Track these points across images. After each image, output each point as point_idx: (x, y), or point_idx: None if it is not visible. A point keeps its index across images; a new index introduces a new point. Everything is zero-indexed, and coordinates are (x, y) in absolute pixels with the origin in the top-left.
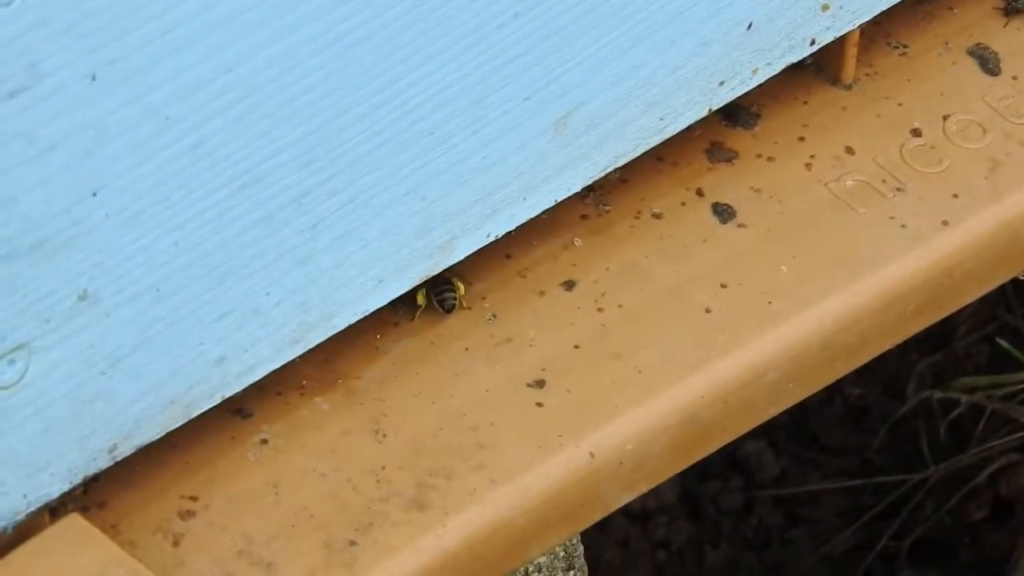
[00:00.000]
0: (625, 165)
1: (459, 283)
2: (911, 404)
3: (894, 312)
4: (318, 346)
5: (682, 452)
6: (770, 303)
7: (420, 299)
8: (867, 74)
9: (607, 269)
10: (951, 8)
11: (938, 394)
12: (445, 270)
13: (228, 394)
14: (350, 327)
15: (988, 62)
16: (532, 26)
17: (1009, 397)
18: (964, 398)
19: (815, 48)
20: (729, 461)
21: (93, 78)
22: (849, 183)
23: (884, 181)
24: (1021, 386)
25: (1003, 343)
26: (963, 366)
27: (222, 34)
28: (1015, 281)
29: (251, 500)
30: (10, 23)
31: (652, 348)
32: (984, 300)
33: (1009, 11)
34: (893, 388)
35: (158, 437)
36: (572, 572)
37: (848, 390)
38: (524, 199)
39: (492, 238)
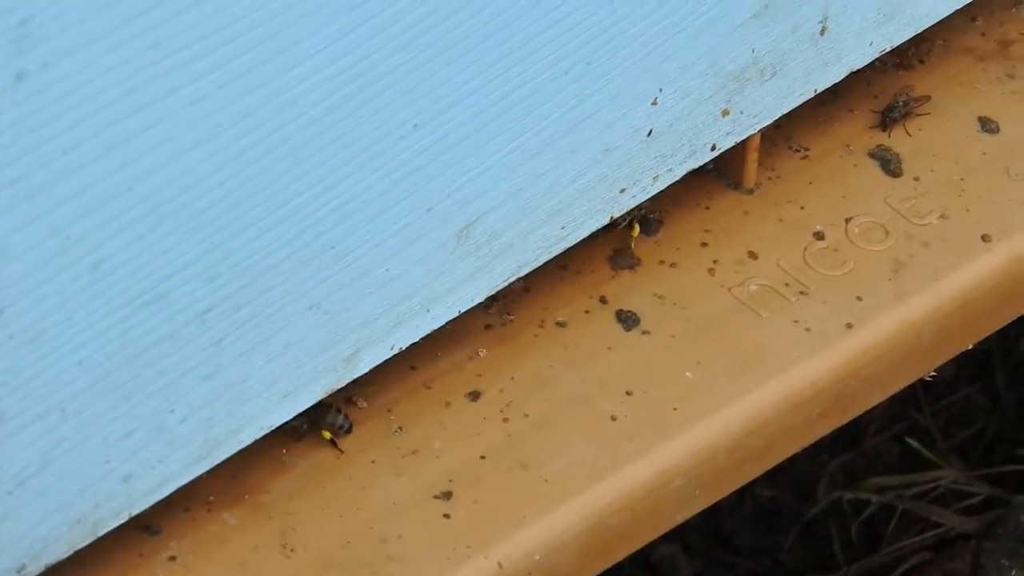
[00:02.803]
0: (528, 274)
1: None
2: (822, 504)
3: (800, 416)
4: (225, 461)
5: (592, 560)
6: (676, 409)
7: (325, 435)
8: (769, 178)
9: (512, 379)
10: (851, 110)
11: (849, 495)
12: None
13: (136, 511)
14: (256, 441)
15: (890, 163)
16: (432, 137)
17: (919, 496)
18: (875, 498)
19: (716, 153)
20: (642, 565)
21: None
22: (753, 287)
23: (788, 285)
24: (931, 485)
25: (912, 442)
26: (873, 465)
27: (124, 152)
28: (924, 380)
29: None
30: None
31: (559, 457)
32: (893, 399)
33: (886, 123)
34: (804, 488)
35: (66, 555)
36: None
37: (759, 491)
38: (428, 311)
39: (396, 350)
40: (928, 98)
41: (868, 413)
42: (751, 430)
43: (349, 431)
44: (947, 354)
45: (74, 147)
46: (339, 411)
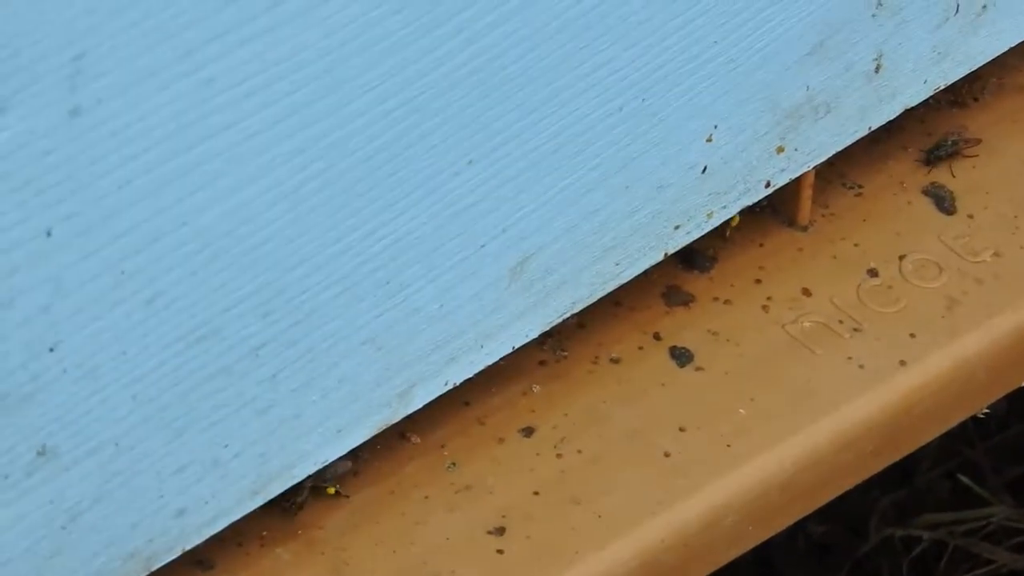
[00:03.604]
0: (582, 310)
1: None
2: (874, 541)
3: (853, 453)
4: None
5: None
6: (729, 446)
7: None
8: (823, 215)
9: (566, 415)
10: (905, 148)
11: (900, 531)
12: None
13: (189, 546)
14: (309, 475)
15: (943, 201)
16: (487, 173)
17: (971, 533)
18: (926, 535)
19: (770, 190)
20: None
21: (49, 233)
22: (806, 324)
23: (841, 322)
24: (983, 522)
25: (964, 479)
26: (925, 502)
27: (179, 187)
28: (975, 417)
29: None
30: None
31: (612, 493)
32: (946, 435)
33: (931, 160)
34: (856, 525)
35: None
36: None
37: (811, 527)
38: (482, 347)
39: (450, 386)
40: (979, 141)
41: (920, 450)
42: (804, 467)
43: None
44: (1000, 391)
45: (128, 182)
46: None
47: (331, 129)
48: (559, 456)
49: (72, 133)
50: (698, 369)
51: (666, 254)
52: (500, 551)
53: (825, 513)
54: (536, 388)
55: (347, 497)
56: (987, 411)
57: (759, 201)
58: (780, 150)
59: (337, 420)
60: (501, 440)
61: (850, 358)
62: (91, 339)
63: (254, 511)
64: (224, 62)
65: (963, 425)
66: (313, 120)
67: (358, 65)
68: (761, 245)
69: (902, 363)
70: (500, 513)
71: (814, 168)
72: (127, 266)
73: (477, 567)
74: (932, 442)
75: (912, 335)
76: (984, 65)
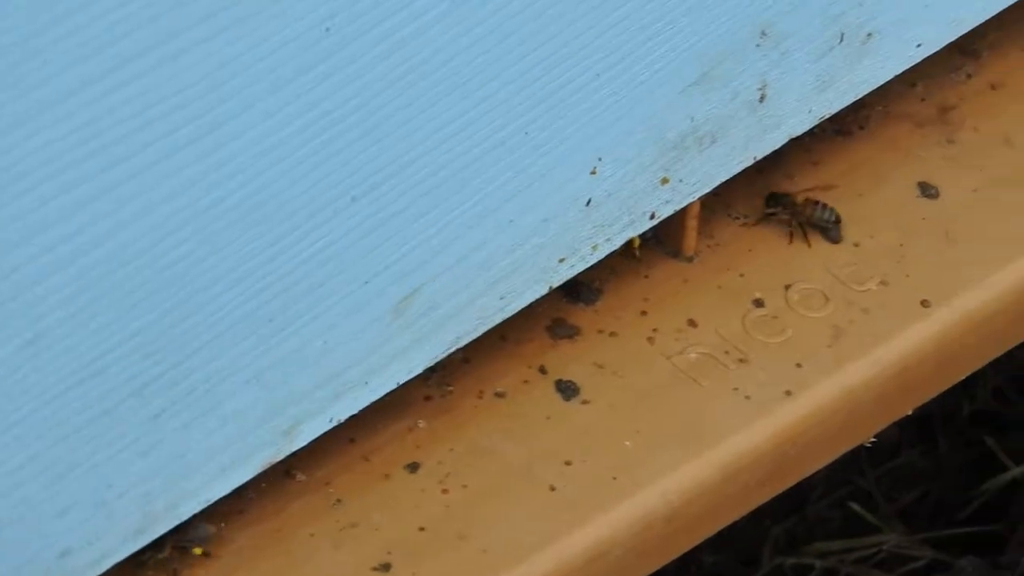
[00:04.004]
0: (467, 345)
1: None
2: (766, 570)
3: (740, 484)
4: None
5: None
6: (615, 478)
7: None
8: (708, 245)
9: (451, 450)
10: (790, 177)
11: (792, 560)
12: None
13: None
14: (195, 514)
15: (829, 230)
16: (370, 210)
17: (863, 561)
18: (818, 563)
19: (655, 222)
20: None
21: None
22: (692, 356)
23: (727, 353)
24: (874, 550)
25: (855, 507)
26: (817, 530)
27: (61, 228)
28: (866, 444)
29: None
30: None
31: (498, 528)
32: (836, 463)
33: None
34: (748, 554)
35: None
36: None
37: (703, 557)
38: (366, 383)
39: (335, 423)
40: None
41: (811, 478)
42: (690, 499)
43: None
44: (886, 420)
45: (7, 225)
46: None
47: (212, 168)
48: (445, 491)
49: None
50: (584, 402)
51: (551, 287)
52: None
53: (717, 542)
54: (421, 423)
55: (232, 537)
56: (874, 440)
57: (644, 232)
58: (665, 181)
59: (221, 459)
60: (387, 476)
61: (736, 389)
62: None
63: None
64: (101, 105)
65: (854, 453)
66: (194, 159)
67: (240, 103)
68: (646, 277)
69: (788, 393)
70: (386, 550)
71: (699, 199)
72: (7, 307)
73: None
74: (823, 470)
75: (798, 365)
76: (869, 93)
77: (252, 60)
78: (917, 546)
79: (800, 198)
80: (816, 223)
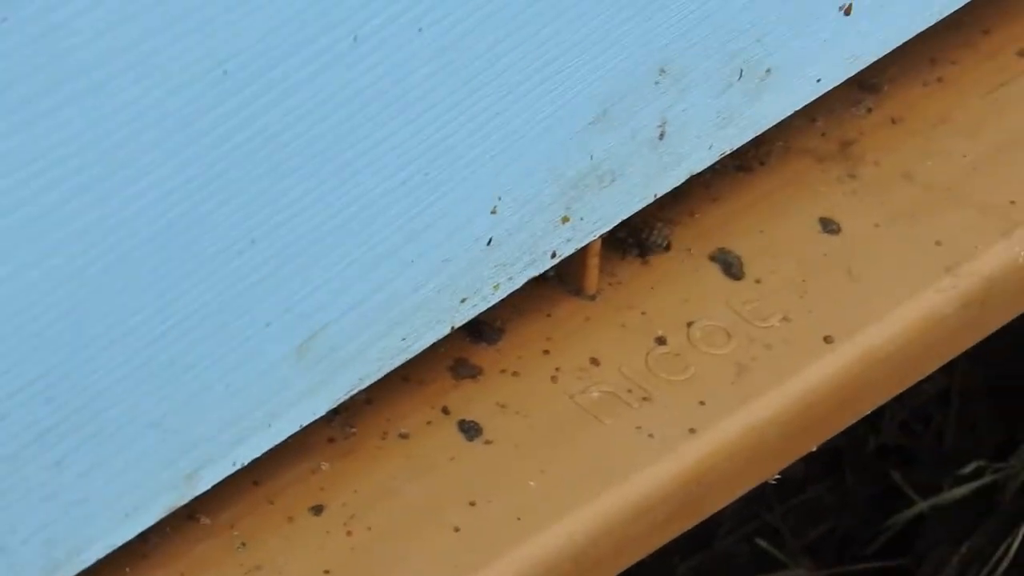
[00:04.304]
0: (370, 386)
1: None
2: None
3: (645, 522)
4: None
5: None
6: (519, 519)
7: None
8: (610, 283)
9: (355, 492)
10: (692, 214)
11: None
12: None
13: None
14: (99, 560)
15: (731, 266)
16: (269, 252)
17: None
18: None
19: (556, 261)
20: None
21: None
22: (595, 394)
23: (630, 391)
24: None
25: (762, 543)
26: (725, 566)
27: None
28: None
29: None
30: None
31: (402, 569)
32: (744, 499)
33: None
34: None
35: None
36: None
37: None
38: (269, 426)
39: (239, 466)
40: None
41: (718, 514)
42: (596, 538)
43: None
44: (791, 456)
45: None
46: None
47: (113, 212)
48: (349, 533)
49: None
50: (487, 442)
51: (453, 327)
52: None
53: None
54: (325, 465)
55: None
56: (779, 477)
57: (546, 271)
58: (566, 220)
59: (124, 504)
60: (291, 519)
61: (639, 427)
62: None
63: None
64: None
65: (761, 488)
66: (95, 203)
67: (139, 147)
68: (548, 315)
69: (692, 431)
70: None
71: (600, 237)
72: None
73: None
74: (730, 506)
75: (702, 402)
76: (769, 129)
77: (153, 102)
78: None
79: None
80: (650, 246)
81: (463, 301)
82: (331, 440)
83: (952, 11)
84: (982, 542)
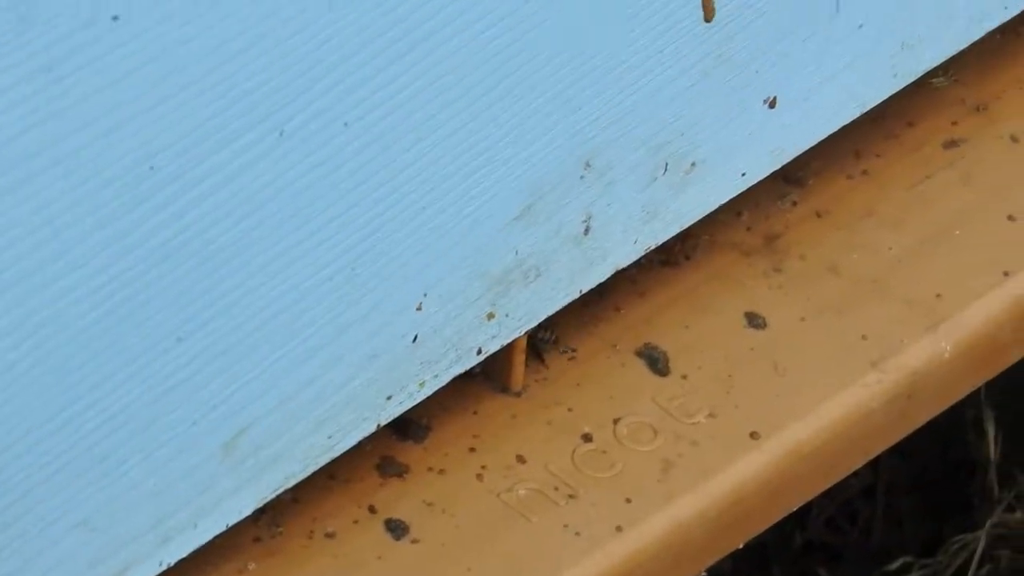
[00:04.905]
0: (297, 485)
1: None
2: None
3: None
4: None
5: None
6: None
7: None
8: (536, 380)
9: None
10: (618, 309)
11: None
12: None
13: None
14: None
15: (657, 362)
16: (196, 349)
17: None
18: None
19: (482, 357)
20: None
21: None
22: (522, 492)
23: (557, 488)
24: None
25: None
26: None
27: None
28: None
29: None
30: None
31: None
32: None
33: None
34: None
35: None
36: None
37: None
38: (196, 525)
39: (165, 567)
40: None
41: None
42: None
43: None
44: (719, 553)
45: None
46: None
47: (40, 307)
48: None
49: None
50: (414, 541)
51: (379, 425)
52: None
53: None
54: (252, 566)
55: None
56: (705, 573)
57: (472, 368)
58: (491, 316)
59: None
60: None
61: (566, 525)
62: None
63: None
64: None
65: None
66: (22, 298)
67: (66, 242)
68: (475, 412)
69: (618, 529)
70: None
71: (526, 333)
72: None
73: None
74: None
75: (628, 500)
76: (695, 223)
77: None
78: None
79: None
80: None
81: (389, 398)
82: (257, 539)
83: (875, 104)
84: None
